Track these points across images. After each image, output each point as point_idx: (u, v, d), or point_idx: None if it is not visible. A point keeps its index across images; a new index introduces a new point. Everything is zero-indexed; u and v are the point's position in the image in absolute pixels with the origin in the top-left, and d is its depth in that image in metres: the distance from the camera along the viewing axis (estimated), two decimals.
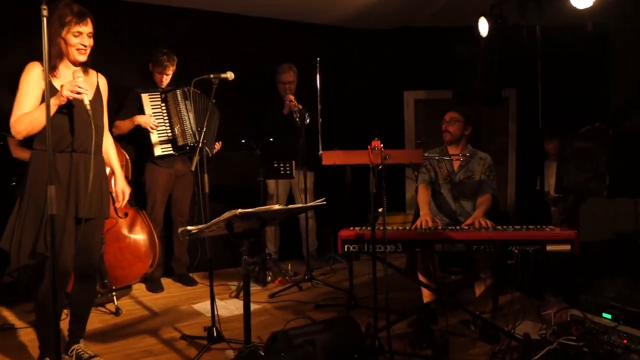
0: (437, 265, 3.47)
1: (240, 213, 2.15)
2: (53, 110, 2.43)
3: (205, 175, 3.01)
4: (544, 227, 3.01)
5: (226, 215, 2.18)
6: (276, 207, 2.30)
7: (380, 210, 2.72)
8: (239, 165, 4.22)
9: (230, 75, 3.25)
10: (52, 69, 2.52)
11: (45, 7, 2.13)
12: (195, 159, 3.05)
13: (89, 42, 2.55)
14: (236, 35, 4.85)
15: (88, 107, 2.47)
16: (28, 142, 3.15)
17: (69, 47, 2.52)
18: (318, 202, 2.44)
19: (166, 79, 4.04)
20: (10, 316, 3.46)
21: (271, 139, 4.45)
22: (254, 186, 4.18)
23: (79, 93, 2.43)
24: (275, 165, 4.08)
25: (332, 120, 4.57)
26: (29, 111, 2.45)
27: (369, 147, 2.73)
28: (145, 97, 3.98)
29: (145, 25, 4.43)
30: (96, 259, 2.72)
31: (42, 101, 2.46)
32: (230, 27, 4.82)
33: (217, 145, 4.15)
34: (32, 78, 2.48)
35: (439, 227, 3.14)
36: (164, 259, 4.32)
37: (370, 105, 5.48)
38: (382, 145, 2.73)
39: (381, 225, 2.79)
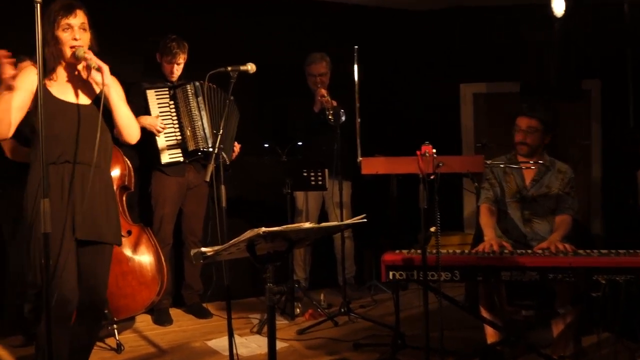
0: (504, 298, 3.42)
1: (264, 232, 2.16)
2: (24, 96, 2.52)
3: (223, 187, 3.06)
4: (638, 251, 2.93)
5: (248, 234, 2.20)
6: (307, 225, 2.32)
7: (432, 229, 2.71)
8: (262, 174, 4.26)
9: (251, 67, 3.31)
10: (49, 72, 2.63)
11: None
12: (210, 167, 3.11)
13: (83, 36, 2.65)
14: (257, 20, 4.92)
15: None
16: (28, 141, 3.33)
17: (62, 46, 2.62)
18: (357, 219, 2.44)
19: (177, 70, 4.12)
20: None
21: (299, 143, 4.48)
22: (279, 199, 4.21)
23: (100, 69, 2.59)
24: (305, 174, 4.11)
25: (372, 120, 4.59)
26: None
27: (418, 152, 2.73)
28: (151, 94, 4.07)
29: (150, 10, 4.54)
30: (103, 293, 2.78)
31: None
32: (249, 11, 4.89)
33: (236, 149, 4.21)
34: (22, 83, 2.59)
35: (506, 251, 3.10)
36: (173, 286, 4.39)
37: (419, 101, 5.47)
38: (434, 150, 2.72)
39: (434, 247, 2.77)
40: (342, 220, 4.31)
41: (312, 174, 4.11)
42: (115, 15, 4.32)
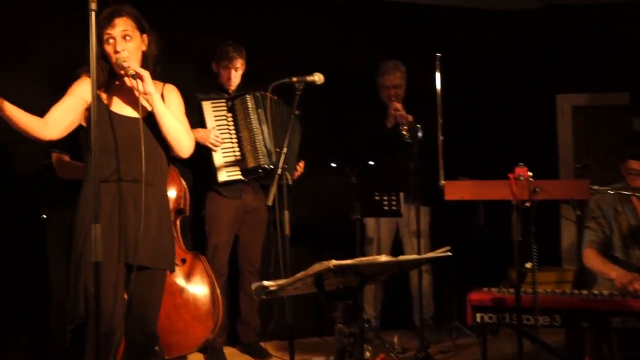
0: (616, 349, 3.28)
1: (334, 266, 2.15)
2: None
3: (286, 213, 3.07)
4: None
5: (316, 268, 2.19)
6: (382, 258, 2.30)
7: (528, 265, 2.64)
8: (328, 197, 4.26)
9: (318, 77, 3.33)
10: (101, 85, 2.75)
11: None
12: (273, 190, 3.12)
13: (127, 45, 2.75)
14: (322, 25, 4.97)
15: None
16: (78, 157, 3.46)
17: (109, 58, 2.75)
18: (440, 252, 2.40)
19: (235, 77, 4.20)
20: None
21: (370, 162, 4.45)
22: (347, 226, 4.19)
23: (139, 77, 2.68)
24: (377, 198, 4.08)
25: (455, 137, 4.51)
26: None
27: (511, 176, 2.67)
28: (206, 106, 4.14)
29: (205, 15, 4.66)
30: (153, 325, 2.85)
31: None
32: (313, 15, 4.95)
33: (299, 168, 4.23)
34: (75, 88, 2.75)
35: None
36: (228, 322, 4.41)
37: (510, 115, 5.38)
38: (530, 173, 2.65)
39: (529, 286, 2.69)
40: (419, 251, 4.25)
41: (385, 198, 4.07)
42: (169, 23, 4.45)
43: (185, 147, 2.88)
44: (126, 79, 2.80)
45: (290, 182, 4.00)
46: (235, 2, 4.77)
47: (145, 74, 2.73)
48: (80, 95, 2.74)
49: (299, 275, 2.25)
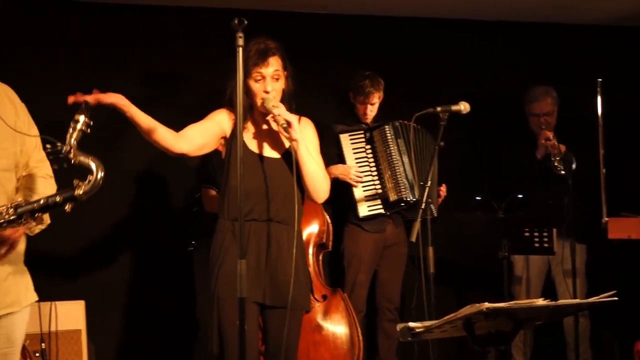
0: None
1: (487, 309, 2.06)
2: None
3: (430, 249, 3.02)
4: None
5: (467, 310, 2.11)
6: (540, 302, 2.18)
7: None
8: (472, 232, 4.17)
9: (464, 107, 3.27)
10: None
11: (241, 35, 2.43)
12: (417, 225, 3.07)
13: (276, 85, 2.78)
14: (462, 48, 4.91)
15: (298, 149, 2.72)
16: None
17: (254, 96, 2.79)
18: (606, 296, 2.25)
19: (371, 111, 4.20)
20: None
21: (519, 196, 4.30)
22: (493, 264, 4.08)
23: (288, 125, 2.68)
24: (527, 234, 3.96)
25: (616, 168, 4.28)
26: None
27: None
28: (344, 139, 4.17)
29: (341, 41, 4.72)
30: None
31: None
32: (457, 39, 4.90)
33: (442, 193, 4.12)
34: (214, 116, 2.84)
35: None
36: None
37: None
38: None
39: None
40: (574, 293, 4.03)
41: (536, 234, 3.94)
42: (304, 50, 4.56)
43: (321, 194, 2.88)
44: (270, 119, 2.83)
45: (435, 213, 3.94)
46: (374, 27, 4.82)
47: (294, 121, 2.73)
48: (217, 121, 2.83)
49: (447, 317, 2.18)
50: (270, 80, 2.76)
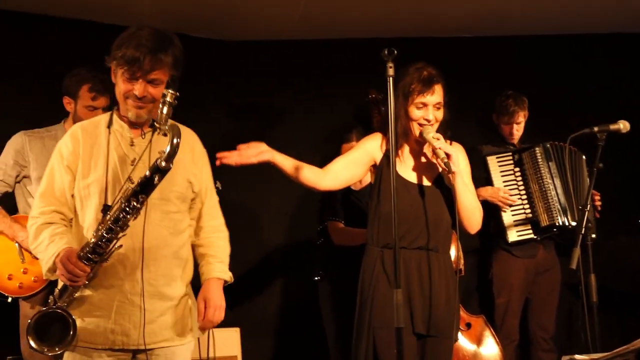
0: None
1: None
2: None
3: (592, 276, 2.95)
4: None
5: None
6: None
7: None
8: (637, 258, 3.99)
9: (623, 126, 3.19)
10: (395, 148, 2.74)
11: (391, 65, 2.47)
12: (577, 251, 3.01)
13: (437, 114, 2.78)
14: (618, 63, 4.75)
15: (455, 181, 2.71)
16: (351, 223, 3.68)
17: (412, 123, 2.79)
18: None
19: (517, 131, 4.16)
20: None
21: None
22: None
23: (448, 158, 2.68)
24: None
25: None
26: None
27: None
28: (492, 161, 4.14)
29: (481, 60, 4.72)
30: None
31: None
32: (609, 54, 4.76)
33: (597, 201, 4.00)
34: (362, 144, 2.90)
35: None
36: None
37: None
38: None
39: None
40: None
41: None
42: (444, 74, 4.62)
43: (475, 225, 2.88)
44: (425, 148, 2.85)
45: (594, 235, 3.80)
46: (516, 47, 4.80)
47: (453, 154, 2.72)
48: (368, 150, 2.88)
49: (619, 350, 2.14)
50: (432, 109, 2.76)
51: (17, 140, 3.42)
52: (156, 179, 2.19)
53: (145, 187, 2.21)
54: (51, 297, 2.36)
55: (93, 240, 2.24)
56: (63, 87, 3.47)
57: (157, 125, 2.22)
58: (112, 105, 3.29)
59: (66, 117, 3.54)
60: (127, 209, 2.21)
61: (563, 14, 4.42)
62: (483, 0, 4.20)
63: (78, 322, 2.29)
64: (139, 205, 2.22)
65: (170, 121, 2.20)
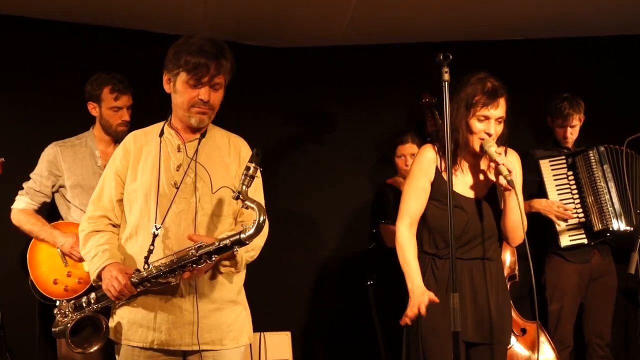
0: None
1: None
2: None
3: None
4: None
5: None
6: None
7: None
8: None
9: None
10: (452, 161, 2.70)
11: (447, 69, 2.48)
12: (635, 256, 3.00)
13: (498, 129, 2.72)
14: None
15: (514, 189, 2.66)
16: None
17: (472, 136, 2.72)
18: None
19: (571, 134, 4.15)
20: None
21: None
22: None
23: (508, 171, 2.61)
24: None
25: None
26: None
27: None
28: (544, 165, 4.13)
29: (535, 63, 4.70)
30: None
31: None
32: None
33: None
34: (420, 166, 2.83)
35: None
36: None
37: None
38: None
39: None
40: None
41: None
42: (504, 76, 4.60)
43: (517, 240, 2.83)
44: (484, 160, 2.82)
45: None
46: (570, 49, 4.77)
47: (514, 170, 2.65)
48: (427, 171, 2.81)
49: None
50: (494, 123, 2.70)
51: (49, 152, 3.56)
52: (236, 249, 2.28)
53: (222, 251, 2.30)
54: (85, 297, 2.48)
55: (154, 272, 2.34)
56: (86, 93, 3.59)
57: (242, 199, 2.26)
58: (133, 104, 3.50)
59: (93, 123, 3.65)
60: (197, 262, 2.30)
61: (620, 15, 4.37)
62: (535, 2, 4.18)
63: (126, 322, 2.43)
64: (209, 262, 2.32)
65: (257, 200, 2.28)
